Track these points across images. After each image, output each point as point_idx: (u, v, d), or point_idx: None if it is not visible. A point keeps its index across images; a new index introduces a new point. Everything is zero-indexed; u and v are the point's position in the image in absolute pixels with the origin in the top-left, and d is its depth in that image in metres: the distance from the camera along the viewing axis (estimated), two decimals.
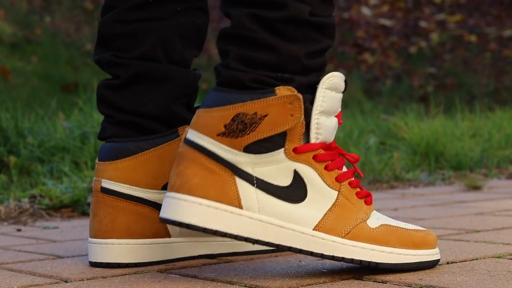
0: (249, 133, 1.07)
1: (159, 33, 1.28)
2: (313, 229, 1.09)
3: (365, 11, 8.31)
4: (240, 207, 1.08)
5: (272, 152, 1.09)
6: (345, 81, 1.15)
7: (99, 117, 2.70)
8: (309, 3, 1.10)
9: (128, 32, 1.28)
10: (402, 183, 2.65)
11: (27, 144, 2.54)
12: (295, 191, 1.10)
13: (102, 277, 1.17)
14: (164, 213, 1.09)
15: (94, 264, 1.26)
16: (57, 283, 1.14)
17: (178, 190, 1.09)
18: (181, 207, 1.08)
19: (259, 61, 1.08)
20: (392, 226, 1.13)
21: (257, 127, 1.07)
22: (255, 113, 1.07)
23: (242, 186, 1.08)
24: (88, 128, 2.63)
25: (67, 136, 2.60)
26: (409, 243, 1.13)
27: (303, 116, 1.09)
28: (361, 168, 2.72)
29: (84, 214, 2.02)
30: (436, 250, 1.16)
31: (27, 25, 6.79)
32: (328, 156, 1.11)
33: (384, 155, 2.89)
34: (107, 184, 1.25)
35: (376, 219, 1.14)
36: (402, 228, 1.14)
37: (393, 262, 1.12)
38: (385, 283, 1.08)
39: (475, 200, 2.15)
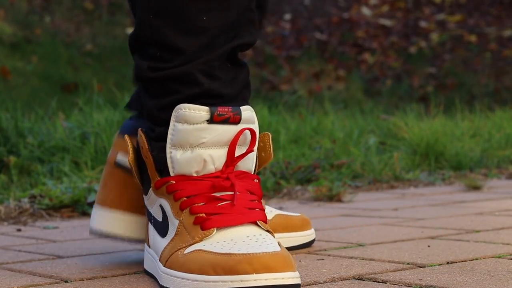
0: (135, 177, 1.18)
1: None
2: (158, 260, 1.12)
3: (365, 11, 8.31)
4: (148, 245, 1.18)
5: (149, 191, 1.16)
6: (231, 110, 1.11)
7: (98, 117, 2.70)
8: (149, 59, 1.15)
9: None
10: (402, 183, 2.65)
11: (27, 144, 2.54)
12: (164, 225, 1.13)
13: (102, 277, 1.17)
14: None
15: (94, 231, 1.27)
16: (57, 283, 1.14)
17: None
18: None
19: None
20: (205, 251, 1.04)
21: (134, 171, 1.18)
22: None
23: (149, 224, 1.18)
24: (88, 128, 2.63)
25: (67, 136, 2.60)
26: (209, 270, 1.01)
27: (147, 153, 1.14)
28: (361, 168, 2.72)
29: (84, 214, 2.02)
30: (248, 276, 0.99)
31: (27, 25, 6.79)
32: (178, 186, 1.11)
33: (384, 155, 2.89)
34: (121, 158, 1.27)
35: (202, 245, 1.05)
36: (214, 253, 1.03)
37: None
38: (385, 283, 1.08)
39: (475, 200, 2.15)
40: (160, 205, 1.13)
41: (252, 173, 1.16)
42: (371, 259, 1.26)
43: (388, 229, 1.62)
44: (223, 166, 1.11)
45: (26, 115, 2.83)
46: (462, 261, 1.21)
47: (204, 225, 1.07)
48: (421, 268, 1.17)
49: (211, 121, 1.10)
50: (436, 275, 1.12)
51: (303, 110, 3.69)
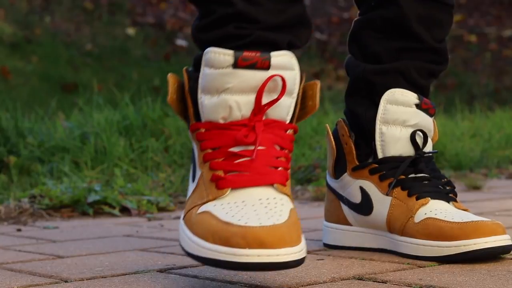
0: None
1: None
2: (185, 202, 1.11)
3: None
4: None
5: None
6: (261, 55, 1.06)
7: (98, 117, 2.70)
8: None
9: None
10: None
11: (27, 144, 2.54)
12: (194, 169, 1.12)
13: (102, 277, 1.17)
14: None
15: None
16: (57, 283, 1.14)
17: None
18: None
19: None
20: (212, 214, 1.02)
21: None
22: None
23: None
24: (88, 128, 2.63)
25: (67, 136, 2.60)
26: (209, 237, 1.00)
27: (187, 93, 1.10)
28: None
29: (84, 214, 2.02)
30: (241, 251, 0.97)
31: (27, 25, 6.79)
32: (206, 135, 1.08)
33: None
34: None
35: (213, 206, 1.04)
36: (217, 219, 1.01)
37: (198, 255, 1.03)
38: (385, 283, 1.07)
39: (475, 200, 2.15)
40: (193, 148, 1.12)
41: (288, 122, 1.10)
42: (371, 259, 1.26)
43: None
44: (251, 114, 1.07)
45: (26, 115, 2.83)
46: (462, 261, 1.21)
47: (219, 184, 1.05)
48: (421, 268, 1.17)
49: (235, 65, 1.06)
50: (436, 275, 1.11)
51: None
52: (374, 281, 1.09)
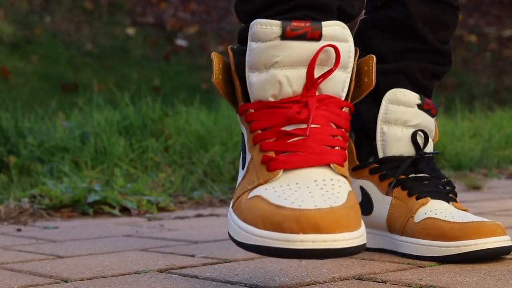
0: None
1: None
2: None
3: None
4: None
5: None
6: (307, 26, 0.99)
7: (98, 117, 2.70)
8: None
9: None
10: None
11: (27, 144, 2.54)
12: (244, 156, 1.04)
13: (102, 277, 1.17)
14: None
15: None
16: (57, 283, 1.14)
17: None
18: None
19: None
20: (263, 198, 0.94)
21: None
22: None
23: None
24: (88, 128, 2.63)
25: (67, 136, 2.60)
26: (259, 223, 0.93)
27: (234, 73, 1.03)
28: None
29: (84, 214, 2.02)
30: (294, 236, 0.89)
31: (27, 25, 6.79)
32: (255, 116, 1.00)
33: None
34: None
35: (264, 190, 0.96)
36: (268, 203, 0.93)
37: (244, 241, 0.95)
38: (385, 283, 1.07)
39: (475, 200, 2.15)
40: (242, 133, 1.04)
41: (344, 98, 1.02)
42: (371, 259, 1.25)
43: None
44: (302, 89, 0.99)
45: (26, 115, 2.83)
46: (462, 261, 1.21)
47: (270, 165, 0.97)
48: (421, 268, 1.17)
49: (283, 37, 0.98)
50: (436, 275, 1.11)
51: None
52: (374, 281, 1.08)
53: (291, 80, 0.99)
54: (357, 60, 1.05)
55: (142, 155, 2.56)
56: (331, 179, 0.95)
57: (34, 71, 6.00)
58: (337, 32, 1.00)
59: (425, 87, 1.35)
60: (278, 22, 0.98)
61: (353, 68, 1.03)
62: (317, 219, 0.88)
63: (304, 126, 0.97)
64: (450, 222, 1.23)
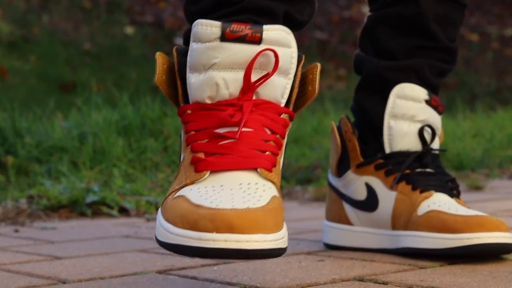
0: None
1: None
2: None
3: (366, 10, 8.32)
4: None
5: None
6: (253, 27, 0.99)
7: (97, 117, 2.70)
8: None
9: None
10: None
11: (25, 144, 2.53)
12: (180, 155, 1.05)
13: (100, 278, 1.17)
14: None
15: None
16: (55, 284, 1.14)
17: None
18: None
19: None
20: (185, 198, 0.94)
21: None
22: None
23: None
24: (86, 128, 2.63)
25: (65, 136, 2.59)
26: (177, 221, 0.92)
27: (177, 73, 1.03)
28: None
29: (82, 214, 2.02)
30: (207, 235, 0.88)
31: (25, 24, 6.79)
32: (191, 117, 1.00)
33: None
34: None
35: (189, 190, 0.95)
36: (189, 202, 0.93)
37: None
38: (386, 284, 1.07)
39: (477, 200, 2.15)
40: (181, 133, 1.05)
41: (284, 105, 1.02)
42: (372, 260, 1.25)
43: None
44: (239, 92, 0.99)
45: (24, 114, 2.82)
46: (464, 262, 1.21)
47: (197, 166, 0.97)
48: (423, 269, 1.17)
49: (223, 38, 0.98)
50: (438, 276, 1.11)
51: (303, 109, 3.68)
52: (375, 283, 1.08)
53: (228, 83, 0.99)
54: (302, 68, 1.05)
55: (141, 155, 2.55)
56: (256, 183, 0.95)
57: (32, 71, 5.99)
58: (279, 36, 0.99)
59: (433, 85, 1.35)
60: (218, 23, 0.98)
61: (296, 75, 1.03)
62: (231, 219, 0.87)
63: (236, 129, 0.97)
64: (454, 214, 1.22)
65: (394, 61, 1.34)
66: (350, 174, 1.35)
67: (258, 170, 0.96)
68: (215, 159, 0.96)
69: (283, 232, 0.92)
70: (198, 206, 0.90)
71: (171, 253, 0.95)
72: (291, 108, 1.03)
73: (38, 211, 2.00)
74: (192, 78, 1.00)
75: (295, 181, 2.53)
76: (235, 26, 0.98)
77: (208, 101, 0.99)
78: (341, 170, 1.37)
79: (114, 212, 2.01)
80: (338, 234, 1.36)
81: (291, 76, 1.02)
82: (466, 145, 3.07)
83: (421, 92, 1.32)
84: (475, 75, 6.99)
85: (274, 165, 0.98)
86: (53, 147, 2.53)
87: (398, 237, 1.28)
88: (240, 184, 0.94)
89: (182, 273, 1.19)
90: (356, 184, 1.34)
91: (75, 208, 2.03)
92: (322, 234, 1.42)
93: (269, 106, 1.00)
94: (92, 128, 2.61)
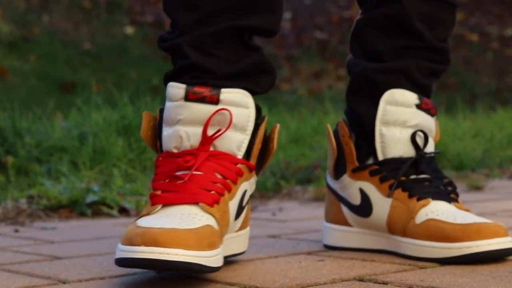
0: None
1: None
2: None
3: None
4: None
5: None
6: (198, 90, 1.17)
7: (97, 117, 2.70)
8: None
9: None
10: None
11: (25, 144, 2.53)
12: None
13: (100, 278, 1.17)
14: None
15: None
16: (55, 284, 1.14)
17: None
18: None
19: None
20: (136, 223, 1.10)
21: None
22: None
23: None
24: (86, 128, 2.63)
25: (65, 136, 2.59)
26: (124, 240, 1.08)
27: (157, 129, 1.22)
28: None
29: (82, 214, 2.02)
30: (137, 248, 1.04)
31: (25, 24, 6.79)
32: (161, 163, 1.18)
33: None
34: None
35: (143, 219, 1.12)
36: (134, 225, 1.09)
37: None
38: (386, 284, 1.07)
39: (477, 200, 2.15)
40: None
41: (241, 157, 1.18)
42: (372, 260, 1.25)
43: None
44: (199, 144, 1.16)
45: (24, 115, 2.82)
46: (464, 263, 1.21)
47: (153, 200, 1.14)
48: (422, 269, 1.17)
49: (186, 98, 1.17)
50: (438, 276, 1.11)
51: (303, 109, 3.68)
52: (375, 283, 1.08)
53: (190, 136, 1.17)
54: (264, 126, 1.21)
55: (141, 155, 2.55)
56: (196, 214, 1.11)
57: (32, 71, 5.99)
58: (237, 98, 1.17)
59: (424, 86, 1.34)
60: (183, 86, 1.17)
61: (257, 133, 1.20)
62: (156, 235, 1.04)
63: (187, 172, 1.14)
64: (452, 223, 1.22)
65: (382, 63, 1.34)
66: (346, 178, 1.35)
67: (200, 204, 1.12)
68: (167, 195, 1.13)
69: (210, 253, 1.06)
70: (137, 227, 1.07)
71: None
72: (253, 161, 1.20)
73: (38, 211, 2.00)
74: (164, 132, 1.19)
75: (295, 181, 2.53)
76: (196, 89, 1.17)
77: (175, 150, 1.18)
78: (338, 172, 1.37)
79: (114, 212, 2.01)
80: (338, 235, 1.36)
81: (249, 132, 1.19)
82: (466, 145, 3.07)
83: (411, 97, 1.31)
84: (475, 75, 6.99)
85: (217, 203, 1.13)
86: (53, 147, 2.53)
87: (397, 242, 1.28)
88: (182, 214, 1.11)
89: (182, 273, 1.19)
90: (351, 188, 1.34)
91: (75, 208, 2.03)
92: (321, 235, 1.42)
93: (225, 156, 1.17)
94: (92, 128, 2.61)
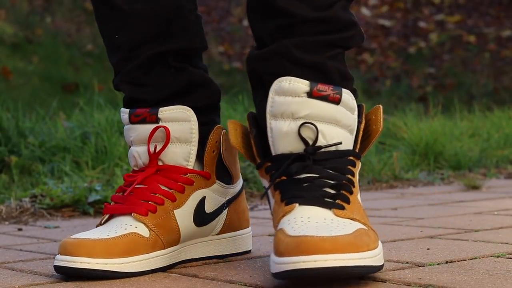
0: None
1: None
2: None
3: (365, 11, 8.31)
4: None
5: None
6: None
7: (99, 117, 2.71)
8: None
9: None
10: (402, 183, 2.65)
11: (28, 144, 2.54)
12: None
13: None
14: None
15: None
16: (58, 282, 1.15)
17: None
18: None
19: None
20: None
21: None
22: None
23: None
24: (88, 128, 2.63)
25: (68, 136, 2.60)
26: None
27: None
28: (361, 168, 2.72)
29: (85, 213, 2.02)
30: (62, 257, 1.17)
31: (28, 26, 6.78)
32: (124, 179, 1.28)
33: (383, 154, 2.89)
34: None
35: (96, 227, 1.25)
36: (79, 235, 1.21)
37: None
38: (385, 282, 1.07)
39: (474, 199, 2.15)
40: None
41: (192, 167, 1.24)
42: None
43: (387, 228, 1.62)
44: (148, 161, 1.25)
45: (27, 115, 2.83)
46: (461, 261, 1.21)
47: (103, 211, 1.25)
48: (420, 268, 1.17)
49: (130, 121, 1.26)
50: (435, 274, 1.11)
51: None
52: (373, 280, 1.08)
53: (141, 155, 1.26)
54: (216, 134, 1.27)
55: None
56: (126, 223, 1.20)
57: (35, 71, 5.99)
58: (177, 114, 1.24)
59: (313, 64, 1.15)
60: (127, 110, 1.27)
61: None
62: (67, 244, 1.15)
63: (137, 186, 1.24)
64: (288, 235, 1.05)
65: (263, 49, 1.18)
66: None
67: (133, 214, 1.20)
68: (113, 206, 1.23)
69: (121, 260, 1.15)
70: (70, 238, 1.18)
71: None
72: (208, 169, 1.27)
73: (41, 210, 2.01)
74: (128, 152, 1.29)
75: None
76: (138, 111, 1.25)
77: (135, 168, 1.27)
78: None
79: None
80: None
81: (195, 143, 1.25)
82: (463, 145, 3.07)
83: (300, 84, 1.12)
84: (472, 76, 6.98)
85: (152, 211, 1.21)
86: (56, 147, 2.53)
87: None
88: (117, 224, 1.20)
89: (184, 271, 1.19)
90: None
91: (77, 207, 2.04)
92: None
93: (172, 169, 1.24)
94: (94, 128, 2.62)
